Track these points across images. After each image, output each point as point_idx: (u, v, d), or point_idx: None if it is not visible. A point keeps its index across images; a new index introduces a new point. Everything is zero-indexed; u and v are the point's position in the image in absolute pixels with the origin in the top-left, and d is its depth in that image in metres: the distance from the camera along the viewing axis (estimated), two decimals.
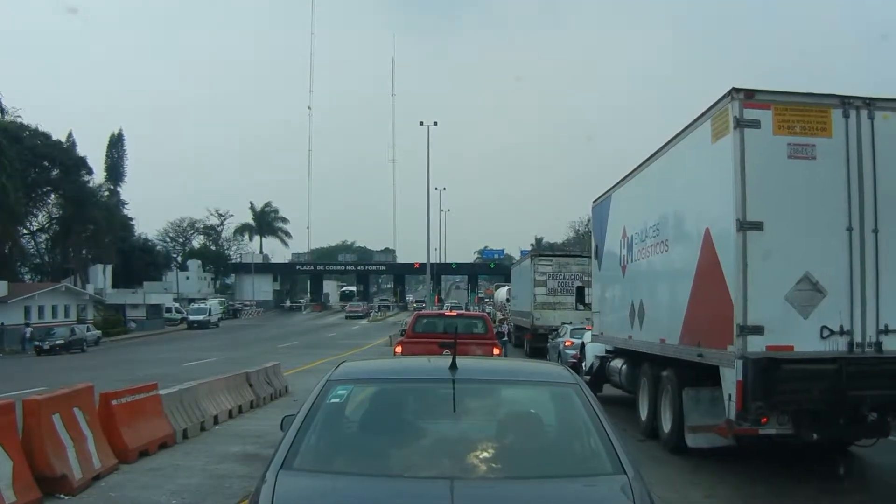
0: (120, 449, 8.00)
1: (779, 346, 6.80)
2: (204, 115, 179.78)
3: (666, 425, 9.09)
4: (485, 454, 3.33)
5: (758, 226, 6.88)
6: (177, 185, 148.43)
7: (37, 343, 34.49)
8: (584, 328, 20.42)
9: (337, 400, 3.51)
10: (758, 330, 6.79)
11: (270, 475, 2.96)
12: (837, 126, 7.09)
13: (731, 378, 6.95)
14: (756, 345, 6.77)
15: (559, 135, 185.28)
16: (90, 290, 51.49)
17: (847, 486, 7.22)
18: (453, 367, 3.54)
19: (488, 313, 42.36)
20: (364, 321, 66.73)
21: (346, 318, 69.74)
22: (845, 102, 7.15)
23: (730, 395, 6.98)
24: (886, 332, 6.93)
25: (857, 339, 6.90)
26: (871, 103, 7.20)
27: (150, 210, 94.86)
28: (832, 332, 6.87)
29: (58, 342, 34.16)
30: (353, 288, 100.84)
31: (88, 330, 39.38)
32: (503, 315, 31.83)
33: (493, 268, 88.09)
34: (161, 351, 33.33)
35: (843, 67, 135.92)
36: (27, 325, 38.57)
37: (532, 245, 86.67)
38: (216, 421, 10.79)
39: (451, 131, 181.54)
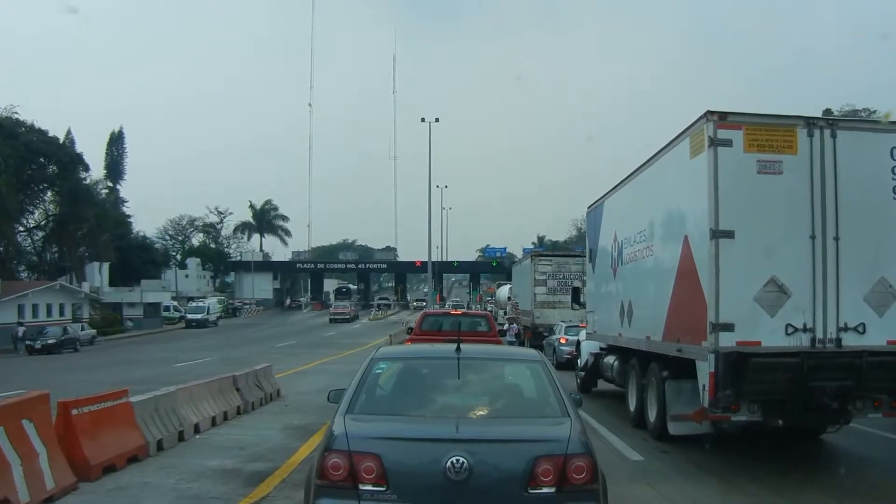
0: (80, 465, 7.25)
1: (747, 341, 7.75)
2: (205, 113, 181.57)
3: (651, 415, 10.09)
4: (479, 404, 5.18)
5: (729, 234, 7.84)
6: (178, 183, 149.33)
7: (28, 342, 34.60)
8: (578, 326, 21.47)
9: (379, 371, 5.32)
10: (728, 327, 7.76)
11: (339, 417, 4.64)
12: (802, 144, 8.04)
13: (704, 370, 7.93)
14: (727, 340, 7.73)
15: (562, 133, 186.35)
16: (86, 289, 52.10)
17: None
18: (458, 349, 5.28)
19: (490, 311, 43.24)
20: (364, 319, 66.70)
21: (331, 321, 61.08)
22: (810, 123, 8.10)
23: (703, 386, 7.96)
24: (846, 329, 7.87)
25: (819, 335, 7.84)
26: (833, 123, 8.20)
27: (151, 209, 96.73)
28: (796, 330, 7.83)
29: (50, 341, 34.35)
30: (353, 286, 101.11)
31: (83, 329, 39.92)
32: (514, 314, 32.09)
33: (495, 266, 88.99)
34: (156, 350, 33.53)
35: (842, 65, 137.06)
36: (20, 323, 38.83)
37: (534, 243, 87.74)
38: (197, 429, 10.14)
39: (453, 130, 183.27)
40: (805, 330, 7.86)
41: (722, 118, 8.01)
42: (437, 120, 51.00)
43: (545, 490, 4.17)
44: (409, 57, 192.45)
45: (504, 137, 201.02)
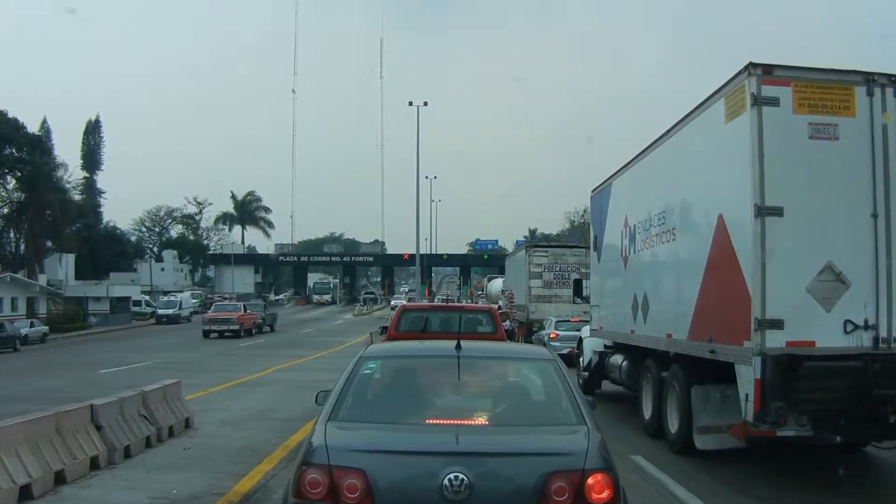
0: None
1: (799, 341, 6.65)
2: (187, 104, 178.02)
3: (672, 425, 8.97)
4: (482, 411, 4.64)
5: (777, 211, 6.72)
6: (161, 177, 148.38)
7: None
8: (569, 320, 20.85)
9: (368, 371, 4.84)
10: (777, 324, 6.64)
11: (320, 425, 4.13)
12: (861, 105, 6.96)
13: (748, 376, 6.80)
14: (775, 340, 6.63)
15: (554, 127, 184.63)
16: (42, 281, 48.79)
17: None
18: (458, 347, 4.72)
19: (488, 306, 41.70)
20: (348, 315, 65.07)
21: (206, 333, 36.00)
22: (869, 80, 7.01)
23: (747, 395, 6.83)
24: None
25: (883, 333, 6.77)
26: None
27: (133, 200, 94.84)
28: (856, 327, 6.74)
29: None
30: (334, 279, 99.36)
31: (32, 325, 37.46)
32: (509, 307, 30.86)
33: (486, 259, 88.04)
34: (101, 350, 30.31)
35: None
36: None
37: (526, 237, 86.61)
38: None
39: (442, 123, 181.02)
40: (867, 327, 6.77)
41: (767, 72, 6.91)
42: (425, 104, 49.47)
43: None
44: (398, 52, 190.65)
45: (495, 130, 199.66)
